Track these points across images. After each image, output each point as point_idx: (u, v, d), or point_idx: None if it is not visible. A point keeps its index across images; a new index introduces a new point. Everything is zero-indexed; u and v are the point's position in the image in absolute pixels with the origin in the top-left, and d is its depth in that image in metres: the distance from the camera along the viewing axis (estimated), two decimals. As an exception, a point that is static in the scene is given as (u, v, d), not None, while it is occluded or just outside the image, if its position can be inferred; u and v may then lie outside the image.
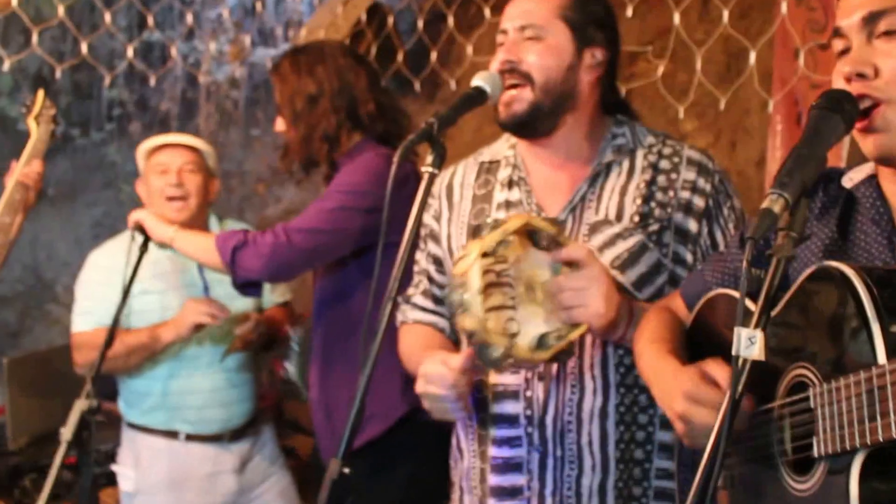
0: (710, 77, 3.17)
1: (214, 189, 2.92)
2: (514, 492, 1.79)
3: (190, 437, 2.79)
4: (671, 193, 1.78)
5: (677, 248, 1.77)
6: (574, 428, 1.76)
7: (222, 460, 2.83)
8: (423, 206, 1.62)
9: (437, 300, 1.97)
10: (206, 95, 4.75)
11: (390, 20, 3.89)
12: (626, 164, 1.82)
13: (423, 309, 1.99)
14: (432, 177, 1.62)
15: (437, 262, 1.97)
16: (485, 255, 1.62)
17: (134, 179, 2.96)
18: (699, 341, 1.55)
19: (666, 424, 1.70)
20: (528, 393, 1.78)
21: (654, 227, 1.76)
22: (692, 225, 1.77)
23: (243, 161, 4.88)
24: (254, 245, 2.43)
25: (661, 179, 1.79)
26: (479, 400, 1.83)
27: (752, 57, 2.91)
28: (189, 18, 4.11)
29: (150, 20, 3.77)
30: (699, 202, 1.78)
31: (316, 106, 2.58)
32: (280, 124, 2.66)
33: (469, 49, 3.59)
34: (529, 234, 1.67)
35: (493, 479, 1.81)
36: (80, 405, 2.27)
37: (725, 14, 2.89)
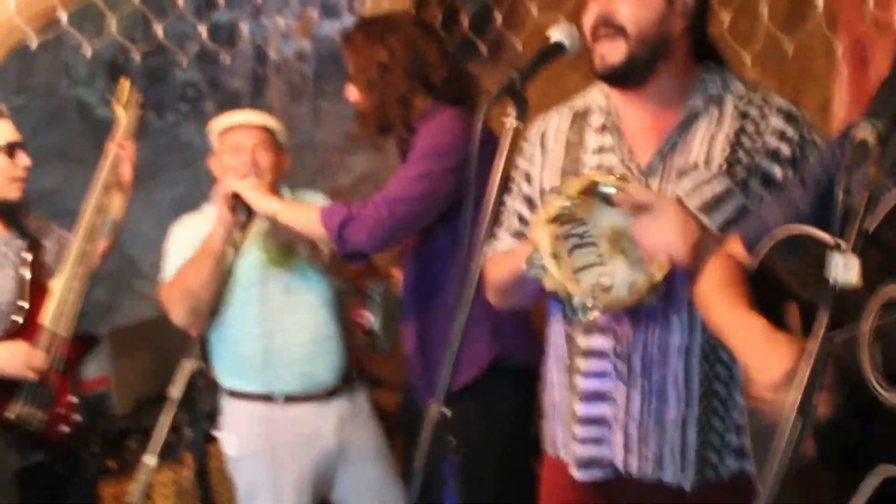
0: (773, 23, 3.19)
1: (286, 164, 3.04)
2: (600, 421, 1.92)
3: (289, 399, 2.90)
4: (758, 141, 1.85)
5: (763, 194, 1.84)
6: (660, 363, 1.86)
7: (322, 420, 2.94)
8: (509, 158, 1.70)
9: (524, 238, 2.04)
10: (275, 71, 4.88)
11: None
12: (715, 111, 1.89)
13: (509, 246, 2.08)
14: (517, 130, 1.70)
15: (530, 202, 2.06)
16: (554, 220, 1.74)
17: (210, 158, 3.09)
18: (764, 285, 1.61)
19: None
20: (616, 327, 1.89)
21: (742, 173, 1.84)
22: (777, 171, 1.84)
23: (314, 133, 5.00)
24: (358, 220, 2.55)
25: (750, 127, 1.86)
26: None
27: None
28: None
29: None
30: (786, 150, 1.84)
31: (389, 73, 2.67)
32: (353, 93, 2.76)
33: (533, 9, 3.63)
34: (591, 193, 1.77)
35: (582, 409, 1.93)
36: (188, 365, 2.40)
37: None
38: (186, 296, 2.77)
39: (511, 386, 2.64)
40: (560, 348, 2.00)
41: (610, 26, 1.83)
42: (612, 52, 1.84)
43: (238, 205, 2.68)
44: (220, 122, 2.97)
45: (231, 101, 4.88)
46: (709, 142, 1.87)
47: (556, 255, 1.73)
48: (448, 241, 2.64)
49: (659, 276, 1.74)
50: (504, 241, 2.10)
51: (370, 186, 4.04)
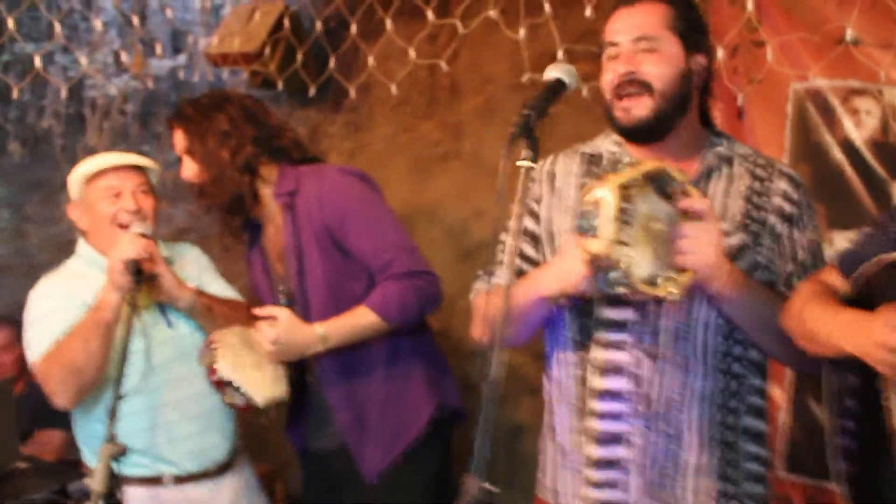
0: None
1: (158, 209, 2.71)
2: (616, 464, 1.92)
3: (179, 479, 2.55)
4: (767, 200, 1.96)
5: (772, 249, 1.95)
6: (678, 406, 1.90)
7: (216, 499, 2.61)
8: (525, 198, 1.71)
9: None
10: (93, 110, 4.46)
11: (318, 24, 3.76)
12: (725, 169, 1.99)
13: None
14: (529, 170, 1.69)
15: (535, 239, 2.08)
16: (623, 187, 1.72)
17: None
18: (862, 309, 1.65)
19: (753, 411, 1.96)
20: (636, 371, 1.91)
21: (756, 228, 1.94)
22: (784, 230, 1.96)
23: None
24: (404, 302, 2.52)
25: (758, 186, 1.97)
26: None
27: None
28: (58, 28, 3.84)
29: (11, 23, 3.54)
30: (789, 209, 1.97)
31: (230, 140, 2.59)
32: (189, 169, 2.63)
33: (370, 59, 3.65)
34: (653, 180, 1.79)
35: (597, 452, 1.93)
36: (106, 451, 2.08)
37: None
38: (73, 374, 2.40)
39: (443, 436, 2.66)
40: (570, 391, 2.00)
41: (636, 83, 1.91)
42: (639, 107, 1.91)
43: (133, 268, 2.37)
44: (90, 166, 2.60)
45: (42, 140, 4.42)
46: (723, 196, 1.96)
47: (617, 219, 1.71)
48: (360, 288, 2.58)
49: (684, 280, 1.78)
50: (504, 277, 1.99)
51: (191, 239, 3.74)
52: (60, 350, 2.42)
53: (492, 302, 1.96)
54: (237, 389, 2.45)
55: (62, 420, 2.69)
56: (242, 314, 2.65)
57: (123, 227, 2.53)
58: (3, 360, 4.12)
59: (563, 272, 1.85)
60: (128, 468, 2.44)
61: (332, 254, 2.58)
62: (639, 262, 1.75)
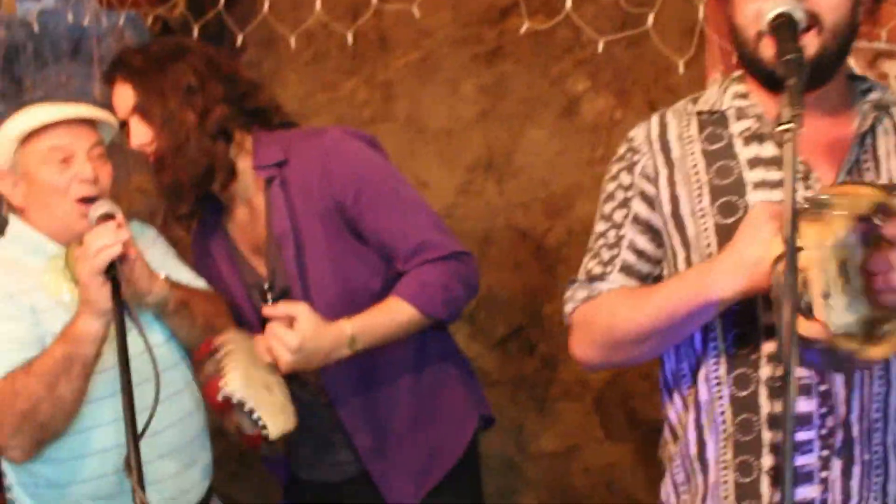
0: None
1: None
2: None
3: None
4: None
5: None
6: (881, 427, 1.56)
7: None
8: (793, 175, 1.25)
9: (644, 277, 1.67)
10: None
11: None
12: (886, 121, 1.60)
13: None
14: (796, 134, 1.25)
15: (650, 230, 1.65)
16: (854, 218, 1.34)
17: None
18: None
19: None
20: (824, 387, 1.52)
21: None
22: None
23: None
24: (449, 291, 2.07)
25: None
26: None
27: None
28: None
29: None
30: None
31: (197, 97, 2.05)
32: (140, 135, 2.07)
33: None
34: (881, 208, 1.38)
35: (777, 494, 1.53)
36: None
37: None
38: (34, 426, 1.82)
39: (477, 453, 2.27)
40: (721, 417, 1.59)
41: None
42: (804, 45, 1.43)
43: (112, 274, 1.79)
44: (26, 120, 1.97)
45: None
46: (888, 156, 1.58)
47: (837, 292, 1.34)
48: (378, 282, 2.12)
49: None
50: (611, 279, 1.64)
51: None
52: (15, 392, 1.82)
53: (607, 312, 1.59)
54: (248, 414, 1.90)
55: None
56: (223, 312, 2.13)
57: (82, 203, 1.96)
58: None
59: (749, 265, 1.42)
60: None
61: (341, 239, 2.08)
62: (841, 308, 1.35)
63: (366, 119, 3.46)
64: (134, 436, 1.58)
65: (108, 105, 2.15)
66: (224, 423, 1.96)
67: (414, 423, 2.15)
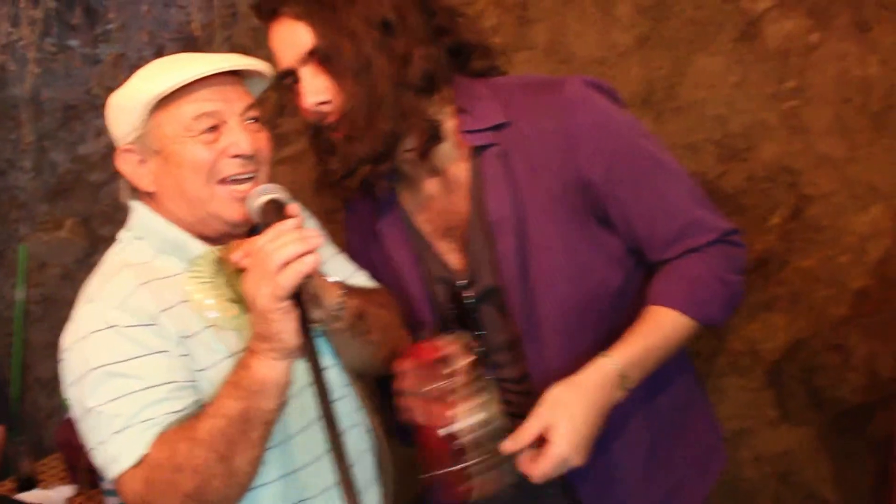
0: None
1: None
2: None
3: None
4: None
5: None
6: None
7: None
8: None
9: None
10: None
11: None
12: None
13: None
14: None
15: None
16: None
17: None
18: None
19: None
20: None
21: None
22: None
23: None
24: (729, 287, 1.65)
25: None
26: None
27: None
28: None
29: None
30: None
31: (393, 37, 1.55)
32: (318, 91, 1.58)
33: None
34: None
35: None
36: None
37: None
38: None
39: None
40: None
41: None
42: None
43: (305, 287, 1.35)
44: (162, 78, 1.48)
45: None
46: None
47: None
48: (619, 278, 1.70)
49: None
50: None
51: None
52: (176, 467, 1.37)
53: None
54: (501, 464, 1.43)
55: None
56: (397, 321, 1.70)
57: (236, 183, 1.53)
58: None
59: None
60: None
61: (577, 224, 1.63)
62: None
63: (496, 48, 3.02)
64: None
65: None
66: (426, 465, 1.50)
67: (650, 459, 1.74)
